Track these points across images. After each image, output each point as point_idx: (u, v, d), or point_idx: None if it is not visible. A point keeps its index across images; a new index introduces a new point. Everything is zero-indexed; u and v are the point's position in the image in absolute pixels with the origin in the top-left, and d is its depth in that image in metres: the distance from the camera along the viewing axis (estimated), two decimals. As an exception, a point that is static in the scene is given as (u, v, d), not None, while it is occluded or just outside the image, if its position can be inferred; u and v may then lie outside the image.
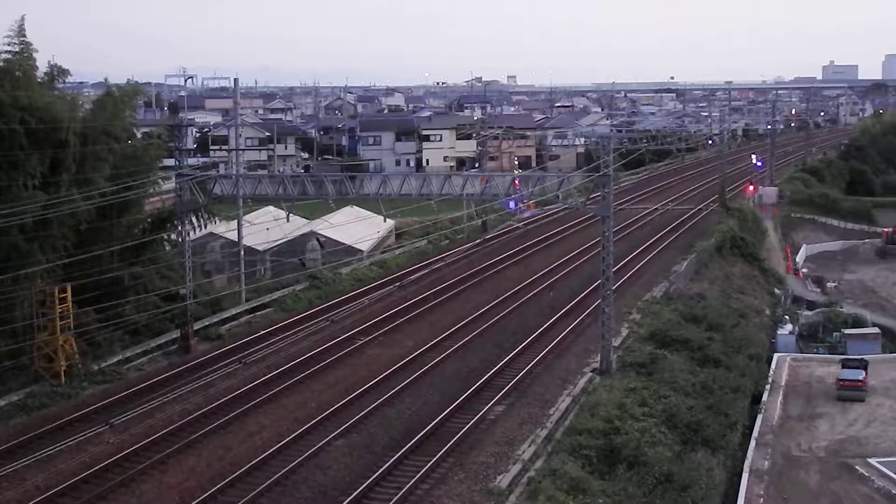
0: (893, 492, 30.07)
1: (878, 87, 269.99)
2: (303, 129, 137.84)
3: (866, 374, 40.05)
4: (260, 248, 53.44)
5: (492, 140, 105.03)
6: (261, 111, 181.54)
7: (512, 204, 72.22)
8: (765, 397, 38.71)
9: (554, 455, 27.04)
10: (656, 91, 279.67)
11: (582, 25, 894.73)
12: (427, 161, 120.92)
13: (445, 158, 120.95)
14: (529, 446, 27.76)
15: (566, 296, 46.31)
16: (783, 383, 41.11)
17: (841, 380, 39.76)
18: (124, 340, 36.88)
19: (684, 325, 42.10)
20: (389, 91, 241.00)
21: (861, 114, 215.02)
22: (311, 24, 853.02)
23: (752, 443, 33.64)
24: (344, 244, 56.42)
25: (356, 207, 62.23)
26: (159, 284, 40.19)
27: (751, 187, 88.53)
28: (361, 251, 57.40)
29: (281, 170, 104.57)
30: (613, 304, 36.28)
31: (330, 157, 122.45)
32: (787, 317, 54.49)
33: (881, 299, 65.31)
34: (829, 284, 68.16)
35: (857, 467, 31.86)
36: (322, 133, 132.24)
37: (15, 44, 35.57)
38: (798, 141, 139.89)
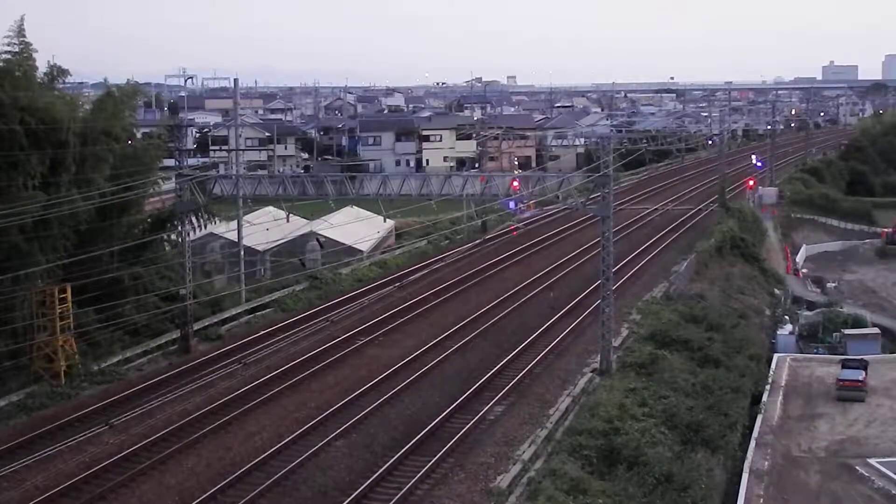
0: (893, 492, 30.03)
1: (877, 88, 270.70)
2: (303, 130, 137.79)
3: (866, 374, 40.02)
4: (260, 248, 53.41)
5: (492, 140, 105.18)
6: (261, 111, 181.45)
7: (512, 204, 72.37)
8: (765, 397, 38.66)
9: (554, 455, 27.03)
10: (656, 91, 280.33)
11: (582, 25, 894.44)
12: (427, 161, 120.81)
13: (445, 159, 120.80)
14: (529, 446, 27.75)
15: (566, 296, 46.29)
16: (783, 384, 41.06)
17: (841, 380, 39.72)
18: (124, 341, 36.88)
19: (684, 326, 42.05)
20: (389, 91, 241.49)
21: (861, 114, 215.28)
22: (311, 24, 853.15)
23: (752, 443, 33.60)
24: (344, 244, 56.40)
25: (356, 208, 62.13)
26: (159, 285, 40.20)
27: (751, 182, 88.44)
28: (361, 251, 57.39)
29: (281, 170, 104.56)
30: (613, 305, 36.28)
31: (330, 157, 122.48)
32: (787, 317, 54.42)
33: (881, 299, 65.28)
34: (828, 284, 68.11)
35: (856, 467, 31.82)
36: (322, 133, 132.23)
37: (15, 44, 35.56)
38: (798, 141, 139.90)
